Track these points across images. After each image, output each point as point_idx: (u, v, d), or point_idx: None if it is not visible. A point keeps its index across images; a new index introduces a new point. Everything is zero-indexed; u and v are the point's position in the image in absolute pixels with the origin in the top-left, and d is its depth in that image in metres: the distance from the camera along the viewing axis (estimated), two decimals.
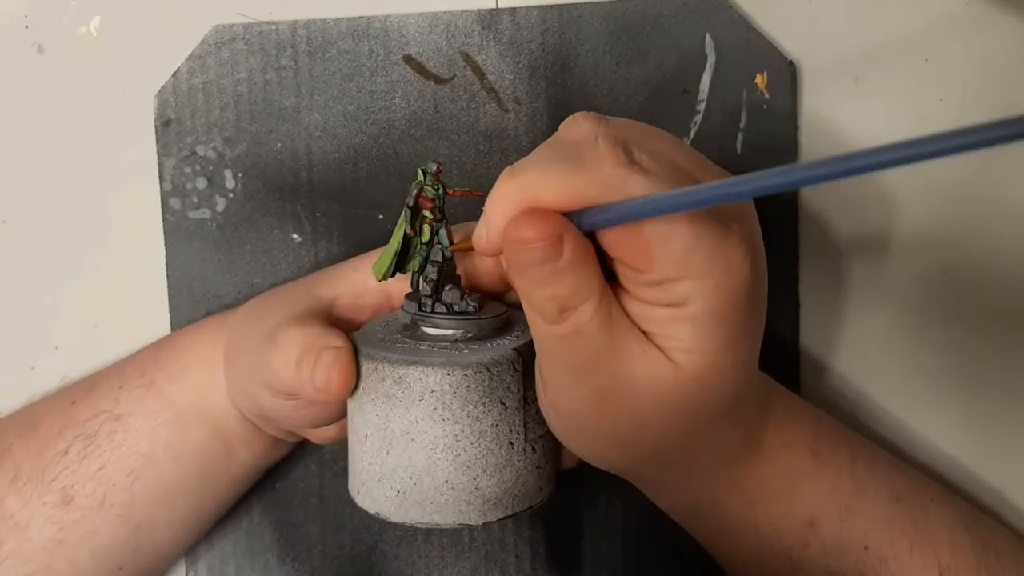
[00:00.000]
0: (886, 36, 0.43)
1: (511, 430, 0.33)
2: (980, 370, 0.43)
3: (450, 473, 0.32)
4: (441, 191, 0.34)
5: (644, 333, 0.29)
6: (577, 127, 0.30)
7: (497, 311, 0.35)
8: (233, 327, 0.39)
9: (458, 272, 0.35)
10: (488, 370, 0.33)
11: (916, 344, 0.43)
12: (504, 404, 0.33)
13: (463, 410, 0.32)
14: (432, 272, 0.34)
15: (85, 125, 0.44)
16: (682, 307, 0.28)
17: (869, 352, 0.43)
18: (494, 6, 0.43)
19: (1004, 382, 0.43)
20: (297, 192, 0.43)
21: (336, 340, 0.34)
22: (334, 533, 0.44)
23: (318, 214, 0.44)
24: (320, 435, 0.38)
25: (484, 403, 0.33)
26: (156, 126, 0.43)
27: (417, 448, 0.32)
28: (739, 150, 0.43)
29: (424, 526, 0.33)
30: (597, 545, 0.44)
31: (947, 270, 0.43)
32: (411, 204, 0.34)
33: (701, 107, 0.43)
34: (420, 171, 0.34)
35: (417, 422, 0.32)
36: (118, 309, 0.44)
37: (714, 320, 0.28)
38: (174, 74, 0.43)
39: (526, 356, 0.34)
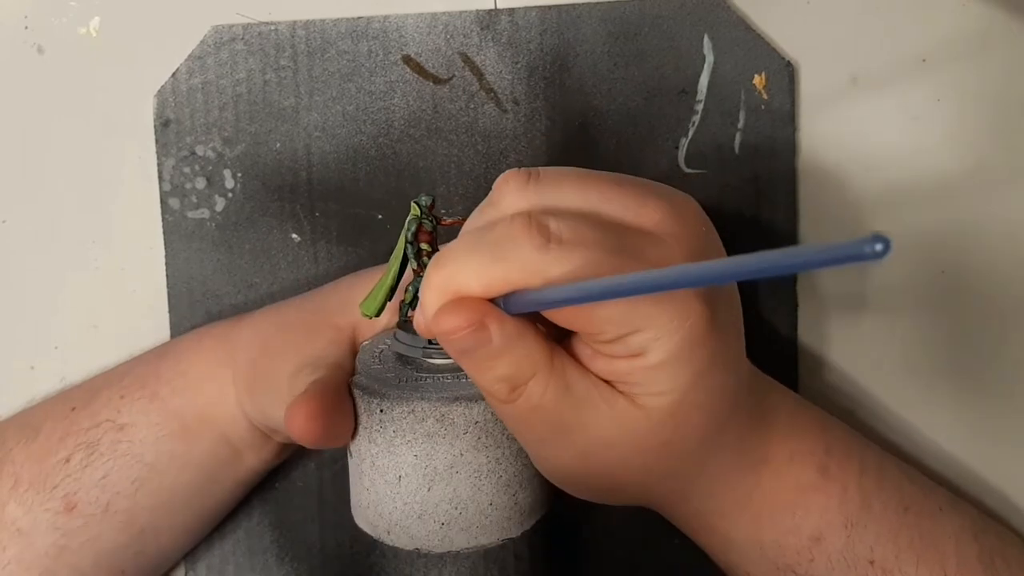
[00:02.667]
0: (884, 36, 0.43)
1: None
2: (978, 369, 0.43)
3: (494, 495, 0.33)
4: (435, 223, 0.34)
5: (609, 383, 0.29)
6: (506, 187, 0.29)
7: None
8: (244, 345, 0.38)
9: None
10: None
11: (913, 343, 0.43)
12: None
13: (503, 434, 0.33)
14: None
15: (85, 125, 0.44)
16: (642, 356, 0.28)
17: (867, 351, 0.44)
18: (493, 7, 0.43)
19: (1002, 381, 0.43)
20: (296, 192, 0.43)
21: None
22: (334, 533, 0.44)
23: (317, 214, 0.44)
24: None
25: None
26: (155, 126, 0.43)
27: (462, 479, 0.33)
28: (737, 151, 0.43)
29: (469, 551, 0.33)
30: (597, 545, 0.44)
31: (944, 270, 0.43)
32: (411, 239, 0.34)
33: (699, 108, 0.43)
34: (415, 204, 0.34)
35: (462, 454, 0.33)
36: (117, 309, 0.44)
37: (678, 362, 0.28)
38: (173, 74, 0.43)
39: None
